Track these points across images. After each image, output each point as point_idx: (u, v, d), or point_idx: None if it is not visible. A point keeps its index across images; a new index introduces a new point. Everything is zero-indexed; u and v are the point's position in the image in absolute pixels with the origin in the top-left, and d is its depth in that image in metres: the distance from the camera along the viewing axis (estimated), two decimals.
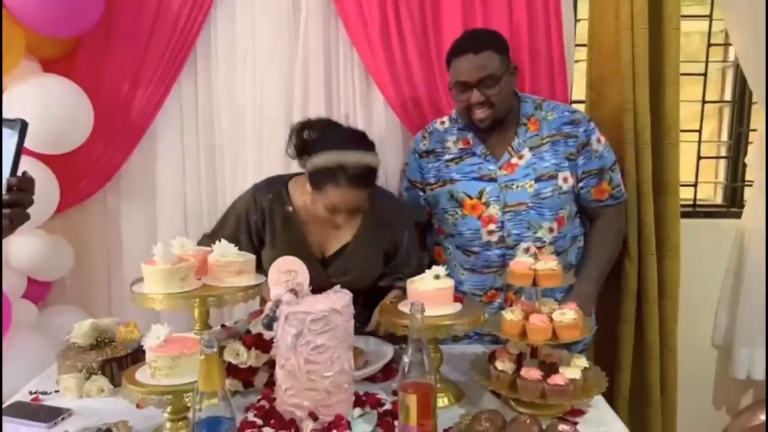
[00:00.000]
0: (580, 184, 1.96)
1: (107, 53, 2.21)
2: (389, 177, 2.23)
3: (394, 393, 1.44)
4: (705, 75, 2.57)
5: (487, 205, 1.92)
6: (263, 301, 1.74)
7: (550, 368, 1.49)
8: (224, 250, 1.59)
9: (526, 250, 1.85)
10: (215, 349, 1.11)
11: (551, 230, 1.92)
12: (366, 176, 1.69)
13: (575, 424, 1.40)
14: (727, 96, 2.65)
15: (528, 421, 1.33)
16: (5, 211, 1.21)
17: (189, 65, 2.28)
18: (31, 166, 1.68)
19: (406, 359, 1.24)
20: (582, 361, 1.52)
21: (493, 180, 1.93)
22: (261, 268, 1.66)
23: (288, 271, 1.49)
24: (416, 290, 1.54)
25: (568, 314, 1.49)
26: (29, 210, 1.27)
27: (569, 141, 1.93)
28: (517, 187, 1.91)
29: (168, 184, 2.34)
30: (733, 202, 2.68)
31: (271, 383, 1.53)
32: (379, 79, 2.23)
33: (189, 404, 1.30)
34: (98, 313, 2.22)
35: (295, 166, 1.85)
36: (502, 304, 1.95)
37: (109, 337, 1.72)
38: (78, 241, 2.34)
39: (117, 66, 2.21)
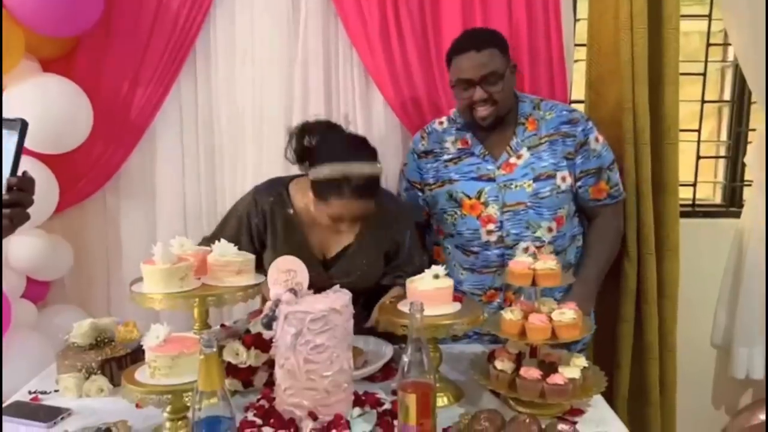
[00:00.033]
0: (578, 183, 1.96)
1: (107, 53, 2.21)
2: (389, 177, 2.23)
3: (394, 392, 1.44)
4: (704, 75, 2.57)
5: (485, 204, 1.92)
6: (264, 301, 1.74)
7: (549, 368, 1.49)
8: (223, 250, 1.59)
9: (525, 249, 1.85)
10: (214, 349, 1.11)
11: (550, 230, 1.92)
12: (370, 186, 1.68)
13: (574, 423, 1.40)
14: (727, 96, 2.66)
15: (527, 421, 1.33)
16: (5, 211, 1.20)
17: (188, 65, 2.28)
18: (31, 166, 1.68)
19: (405, 359, 1.24)
20: (581, 361, 1.52)
21: (491, 180, 1.93)
22: (262, 270, 1.66)
23: (287, 270, 1.49)
24: (415, 290, 1.54)
25: (567, 314, 1.49)
26: (29, 210, 1.27)
27: (567, 140, 1.93)
28: (516, 186, 1.91)
29: (167, 184, 2.34)
30: (732, 202, 2.69)
31: (270, 383, 1.53)
32: (379, 79, 2.23)
33: (188, 404, 1.30)
34: (97, 312, 2.22)
35: (295, 167, 1.85)
36: (502, 303, 1.95)
37: (108, 337, 1.72)
38: (77, 240, 2.35)
39: (116, 66, 2.21)
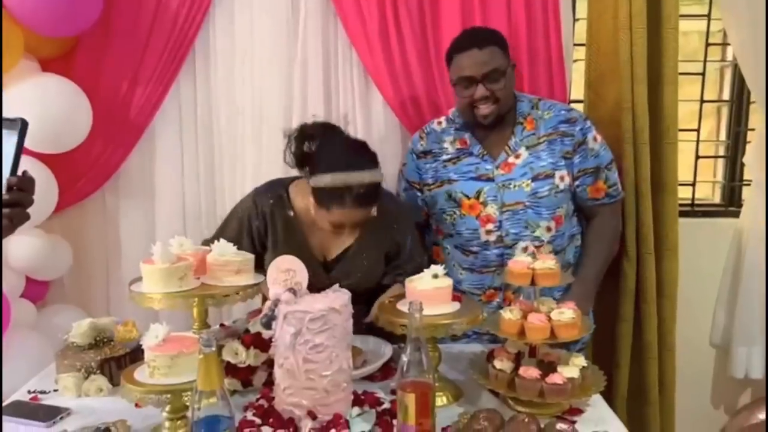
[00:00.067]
0: (576, 183, 1.96)
1: (106, 53, 2.21)
2: (388, 177, 2.23)
3: (393, 392, 1.44)
4: (703, 74, 2.57)
5: (484, 204, 1.92)
6: (265, 300, 1.74)
7: (548, 367, 1.49)
8: (222, 250, 1.59)
9: (525, 249, 1.86)
10: (214, 349, 1.11)
11: (549, 229, 1.92)
12: (371, 195, 1.67)
13: (573, 423, 1.40)
14: (726, 95, 2.66)
15: (526, 420, 1.33)
16: (5, 210, 1.20)
17: (188, 64, 2.28)
18: (30, 166, 1.68)
19: (404, 358, 1.24)
20: (580, 360, 1.52)
21: (490, 180, 1.93)
22: (262, 270, 1.65)
23: (286, 270, 1.49)
24: (415, 289, 1.54)
25: (566, 313, 1.49)
26: (29, 210, 1.26)
27: (565, 139, 1.93)
28: (515, 186, 1.91)
29: (167, 184, 2.34)
30: (731, 202, 2.69)
31: (269, 382, 1.53)
32: (378, 79, 2.23)
33: (188, 403, 1.30)
34: (97, 312, 2.22)
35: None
36: (501, 303, 1.95)
37: (107, 337, 1.72)
38: (76, 240, 2.35)
39: (116, 65, 2.21)
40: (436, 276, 1.55)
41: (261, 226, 1.83)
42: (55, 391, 1.62)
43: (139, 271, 1.55)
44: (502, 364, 1.52)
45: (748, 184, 2.55)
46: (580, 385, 1.47)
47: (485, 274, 1.97)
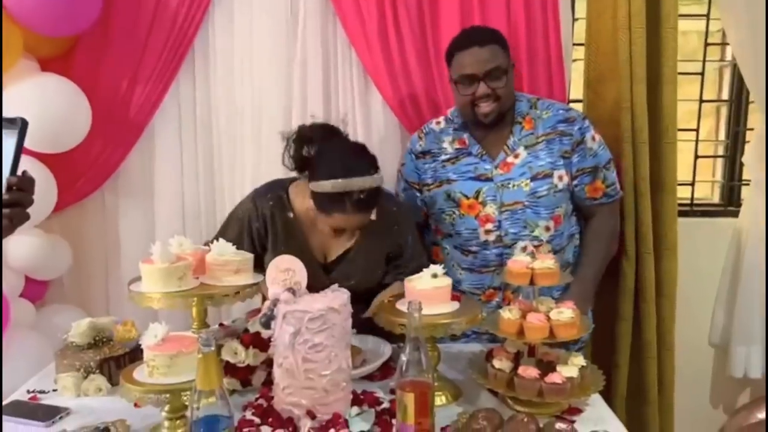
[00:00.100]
0: (574, 182, 1.96)
1: (105, 52, 2.21)
2: (387, 177, 2.23)
3: (392, 391, 1.45)
4: (702, 74, 2.58)
5: (483, 204, 1.92)
6: (264, 300, 1.74)
7: (547, 367, 1.49)
8: (222, 249, 1.59)
9: (524, 248, 1.85)
10: (213, 348, 1.11)
11: (548, 229, 1.92)
12: (371, 200, 1.66)
13: (572, 422, 1.40)
14: (725, 95, 2.66)
15: (525, 420, 1.33)
16: (5, 210, 1.20)
17: (187, 64, 2.28)
18: (29, 165, 1.68)
19: (403, 358, 1.25)
20: (579, 360, 1.52)
21: (489, 179, 1.93)
22: (262, 271, 1.65)
23: (286, 269, 1.50)
24: (414, 289, 1.54)
25: (565, 313, 1.49)
26: (29, 210, 1.26)
27: (564, 139, 1.93)
28: (513, 186, 1.91)
29: (166, 183, 2.34)
30: (730, 201, 2.69)
31: (268, 382, 1.53)
32: (377, 79, 2.24)
33: (187, 403, 1.30)
34: (96, 312, 2.22)
35: None
36: (500, 303, 1.95)
37: (107, 336, 1.72)
38: (76, 240, 2.35)
39: (115, 65, 2.21)
40: (435, 275, 1.55)
41: (261, 227, 1.83)
42: (55, 390, 1.62)
43: (138, 271, 1.55)
44: (501, 363, 1.52)
45: (747, 184, 2.55)
46: (579, 385, 1.48)
47: (485, 273, 1.97)
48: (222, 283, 1.57)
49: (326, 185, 1.63)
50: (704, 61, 2.57)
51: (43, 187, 2.07)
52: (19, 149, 1.22)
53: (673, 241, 2.24)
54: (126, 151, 2.29)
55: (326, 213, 1.68)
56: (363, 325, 1.73)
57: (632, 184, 2.19)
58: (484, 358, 1.60)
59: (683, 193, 2.58)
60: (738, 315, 2.45)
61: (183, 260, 1.54)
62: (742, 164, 2.58)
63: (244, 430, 1.35)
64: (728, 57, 2.60)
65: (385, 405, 1.45)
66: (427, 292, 1.52)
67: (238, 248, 1.63)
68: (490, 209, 1.92)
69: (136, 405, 1.44)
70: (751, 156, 2.45)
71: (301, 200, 1.81)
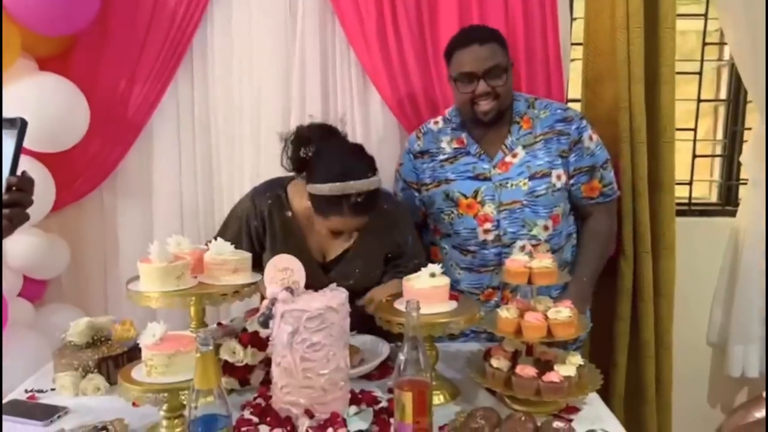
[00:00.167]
0: (571, 181, 1.96)
1: (103, 51, 2.21)
2: (386, 177, 2.23)
3: (390, 391, 1.45)
4: (700, 74, 2.58)
5: (482, 204, 1.93)
6: (263, 299, 1.74)
7: (545, 366, 1.50)
8: (220, 249, 1.59)
9: (522, 248, 1.86)
10: (211, 347, 1.12)
11: (546, 228, 1.93)
12: (369, 202, 1.65)
13: (570, 421, 1.41)
14: (723, 95, 2.66)
15: (523, 419, 1.33)
16: (5, 211, 1.20)
17: (185, 63, 2.28)
18: (28, 165, 1.68)
19: (401, 357, 1.25)
20: (577, 359, 1.52)
21: (487, 179, 1.93)
22: (261, 270, 1.65)
23: (284, 269, 1.50)
24: (412, 288, 1.54)
25: (563, 312, 1.49)
26: (28, 210, 1.26)
27: (562, 138, 1.93)
28: (512, 185, 1.92)
29: (164, 183, 2.34)
30: (728, 201, 2.69)
31: (267, 381, 1.54)
32: (376, 78, 2.24)
33: (185, 402, 1.30)
34: (94, 311, 2.22)
35: None
36: (499, 302, 1.95)
37: (105, 336, 1.72)
38: (74, 239, 2.35)
39: (113, 64, 2.21)
40: (433, 275, 1.56)
41: (259, 226, 1.83)
42: (53, 390, 1.62)
43: (136, 270, 1.55)
44: (499, 362, 1.52)
45: (745, 183, 2.55)
46: (577, 384, 1.48)
47: (483, 273, 1.97)
48: (220, 282, 1.57)
49: (323, 188, 1.62)
50: (702, 60, 2.57)
51: (41, 187, 2.07)
52: (19, 149, 1.22)
53: (671, 240, 2.24)
54: (124, 151, 2.29)
55: (323, 215, 1.68)
56: (361, 324, 1.74)
57: (630, 184, 2.19)
58: (482, 357, 1.60)
59: (681, 192, 2.58)
60: (736, 314, 2.45)
61: (181, 259, 1.54)
62: (739, 164, 2.58)
63: (243, 429, 1.36)
64: (726, 57, 2.61)
65: (383, 404, 1.46)
66: (425, 291, 1.52)
67: (237, 247, 1.63)
68: (489, 209, 1.92)
69: (134, 404, 1.44)
70: (748, 155, 2.45)
71: (299, 199, 1.80)
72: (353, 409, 1.41)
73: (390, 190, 2.10)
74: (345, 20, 2.22)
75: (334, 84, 2.30)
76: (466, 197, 1.94)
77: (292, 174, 1.84)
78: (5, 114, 1.23)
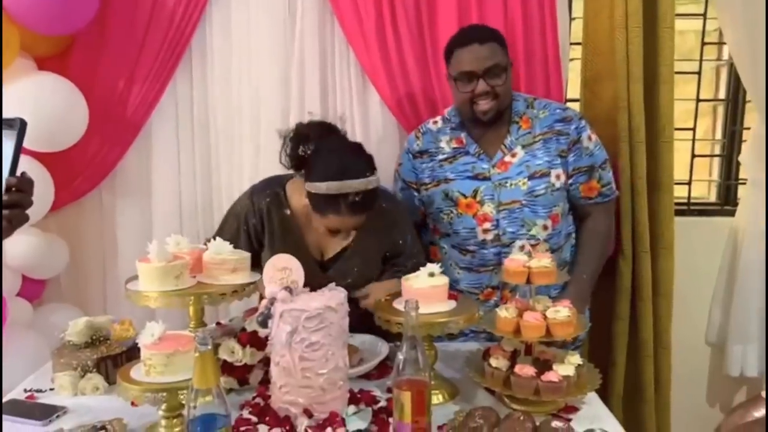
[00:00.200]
0: (570, 181, 1.96)
1: (102, 51, 2.21)
2: (385, 177, 2.23)
3: (389, 390, 1.45)
4: (699, 73, 2.58)
5: (481, 203, 1.93)
6: (262, 298, 1.74)
7: (544, 365, 1.50)
8: (219, 248, 1.59)
9: (521, 247, 1.85)
10: (210, 347, 1.12)
11: (545, 227, 1.93)
12: (367, 201, 1.65)
13: (569, 420, 1.41)
14: (722, 94, 2.66)
15: (522, 418, 1.33)
16: (4, 212, 1.20)
17: (184, 63, 2.28)
18: (27, 165, 1.68)
19: (400, 356, 1.25)
20: (576, 359, 1.52)
21: (487, 179, 1.94)
22: (260, 269, 1.65)
23: (283, 268, 1.50)
24: (411, 287, 1.54)
25: (562, 312, 1.49)
26: (28, 211, 1.26)
27: (561, 138, 1.93)
28: (511, 185, 1.92)
29: (163, 182, 2.34)
30: (726, 200, 2.69)
31: (266, 381, 1.53)
32: (375, 78, 2.23)
33: (184, 402, 1.30)
34: (93, 311, 2.22)
35: None
36: (498, 302, 1.95)
37: (104, 335, 1.72)
38: (73, 239, 2.34)
39: (112, 63, 2.21)
40: (432, 274, 1.56)
41: (258, 224, 1.83)
42: (52, 389, 1.62)
43: (135, 270, 1.55)
44: (497, 362, 1.52)
45: (744, 183, 2.55)
46: (576, 383, 1.48)
47: (483, 273, 1.97)
48: (219, 281, 1.57)
49: (321, 186, 1.62)
50: (701, 60, 2.57)
51: (40, 186, 2.03)
52: (18, 150, 1.21)
53: (670, 240, 2.25)
54: (123, 150, 2.29)
55: (321, 214, 1.68)
56: (360, 323, 1.74)
57: (629, 184, 2.19)
58: (481, 357, 1.60)
59: (680, 192, 2.58)
60: (734, 314, 2.46)
61: (180, 259, 1.54)
62: (738, 163, 2.58)
63: (241, 428, 1.36)
64: (725, 56, 2.61)
65: (382, 403, 1.46)
66: (424, 290, 1.52)
67: (235, 245, 1.63)
68: (488, 208, 1.92)
69: (133, 404, 1.44)
70: (747, 155, 2.45)
71: (298, 197, 1.80)
72: (352, 408, 1.41)
73: (390, 189, 2.10)
74: (344, 20, 2.21)
75: (333, 84, 2.29)
76: (465, 197, 1.94)
77: (290, 172, 1.84)
78: (4, 114, 1.23)
